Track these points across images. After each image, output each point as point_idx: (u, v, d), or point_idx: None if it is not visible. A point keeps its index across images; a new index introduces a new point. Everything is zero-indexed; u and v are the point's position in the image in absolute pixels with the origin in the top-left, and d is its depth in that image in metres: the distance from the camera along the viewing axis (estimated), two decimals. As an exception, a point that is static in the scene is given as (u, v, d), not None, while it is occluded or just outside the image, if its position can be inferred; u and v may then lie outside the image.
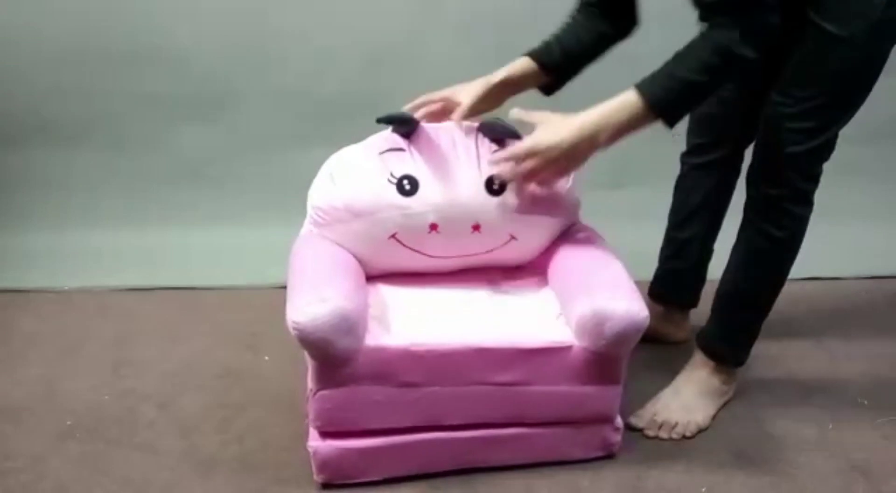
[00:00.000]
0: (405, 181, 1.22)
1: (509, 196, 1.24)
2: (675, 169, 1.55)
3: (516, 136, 1.23)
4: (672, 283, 1.62)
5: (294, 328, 1.10)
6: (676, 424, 1.37)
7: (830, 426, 1.39)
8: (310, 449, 1.18)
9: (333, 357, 1.11)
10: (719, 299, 1.41)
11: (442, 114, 1.33)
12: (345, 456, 1.19)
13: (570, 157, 1.16)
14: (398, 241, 1.24)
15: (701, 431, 1.37)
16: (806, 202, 1.29)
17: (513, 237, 1.28)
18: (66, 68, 2.03)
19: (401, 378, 1.15)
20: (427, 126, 1.27)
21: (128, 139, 2.11)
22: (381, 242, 1.24)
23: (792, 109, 1.22)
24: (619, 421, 1.26)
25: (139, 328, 1.70)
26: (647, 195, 1.73)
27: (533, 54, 1.35)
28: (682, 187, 1.57)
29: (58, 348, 1.62)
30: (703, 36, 1.12)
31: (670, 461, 1.29)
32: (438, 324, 1.19)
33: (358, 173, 1.25)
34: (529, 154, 1.17)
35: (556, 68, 1.35)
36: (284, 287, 1.94)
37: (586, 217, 1.39)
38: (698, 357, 1.44)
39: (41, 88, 2.04)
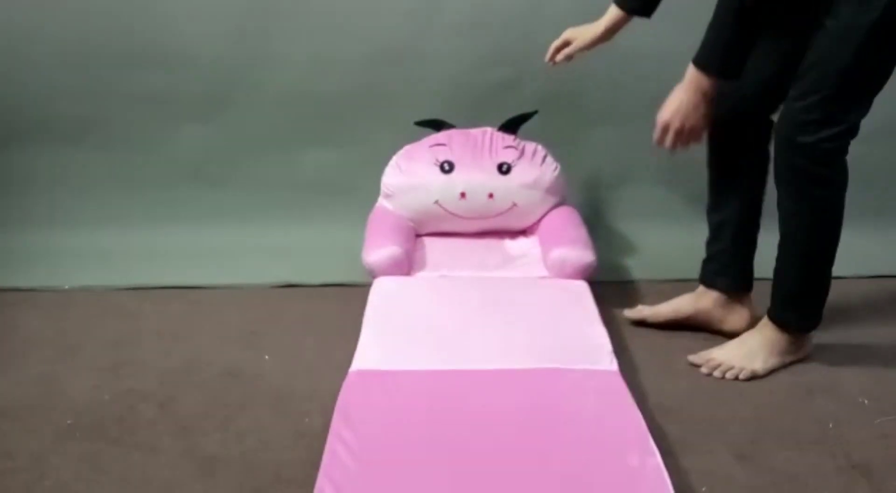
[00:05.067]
0: (445, 164, 1.87)
1: (513, 176, 1.85)
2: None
3: (525, 118, 1.92)
4: (713, 267, 1.67)
5: (366, 264, 1.72)
6: (732, 367, 1.50)
7: (831, 425, 1.39)
8: None
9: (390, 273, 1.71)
10: (776, 272, 1.51)
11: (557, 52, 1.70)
12: None
13: (688, 108, 1.46)
14: (439, 205, 1.86)
15: (755, 378, 1.49)
16: (826, 185, 1.39)
17: (515, 204, 1.87)
18: (67, 68, 2.03)
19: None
20: (459, 130, 1.93)
21: (128, 138, 2.11)
22: (427, 206, 1.87)
23: (802, 102, 1.35)
24: None
25: (139, 328, 1.70)
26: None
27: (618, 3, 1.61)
28: (711, 172, 1.65)
29: (58, 347, 1.62)
30: None
31: (671, 459, 1.28)
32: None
33: (415, 160, 1.89)
34: (665, 124, 1.48)
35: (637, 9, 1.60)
36: (284, 286, 1.95)
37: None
38: (766, 319, 1.54)
39: (41, 88, 2.04)
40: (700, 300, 1.68)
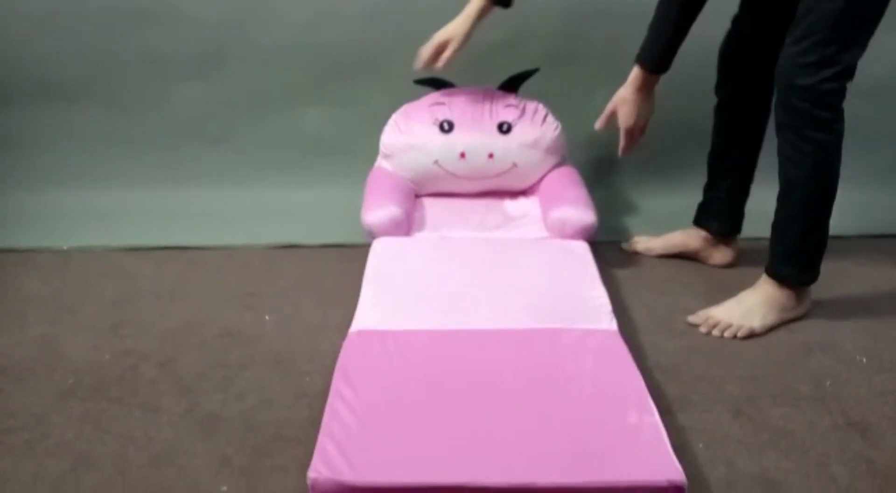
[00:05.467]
0: (445, 124, 1.84)
1: (514, 135, 1.83)
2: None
3: (527, 76, 1.91)
4: (707, 211, 1.80)
5: (366, 225, 1.70)
6: (730, 325, 1.52)
7: (828, 383, 1.40)
8: (308, 481, 1.03)
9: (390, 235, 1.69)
10: (774, 225, 1.54)
11: (436, 57, 1.77)
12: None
13: (643, 105, 1.64)
14: (439, 165, 1.84)
15: (754, 336, 1.51)
16: (827, 130, 1.41)
17: (515, 165, 1.85)
18: (62, 27, 1.99)
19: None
20: (460, 88, 1.90)
21: (125, 98, 2.08)
22: (427, 166, 1.85)
23: (798, 46, 1.38)
24: (680, 477, 1.04)
25: (138, 288, 1.70)
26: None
27: None
28: (716, 119, 1.74)
29: (57, 307, 1.62)
30: None
31: (668, 416, 1.29)
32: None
33: (414, 119, 1.86)
34: (630, 129, 1.66)
35: None
36: (283, 247, 1.95)
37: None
38: (764, 276, 1.56)
39: (37, 48, 2.01)
40: (690, 238, 1.82)
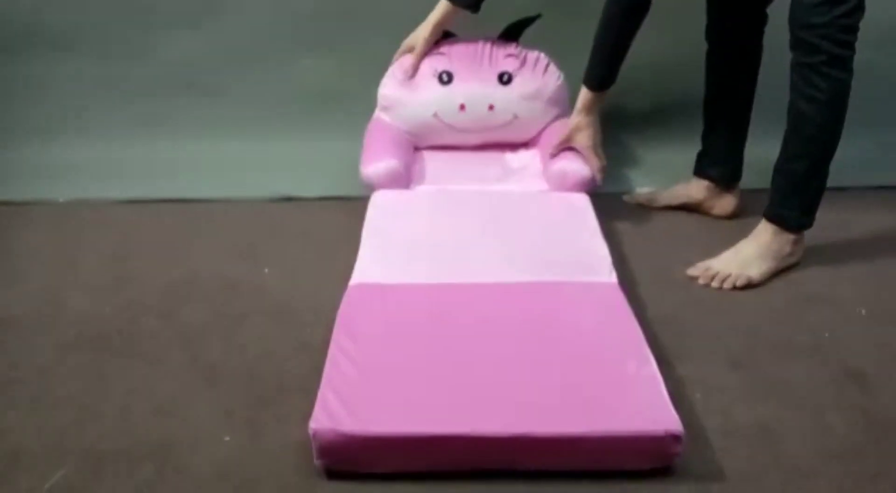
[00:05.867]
0: (444, 75, 1.81)
1: (514, 86, 1.81)
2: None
3: (528, 23, 1.85)
4: (706, 158, 1.80)
5: (364, 177, 1.70)
6: (729, 275, 1.53)
7: (827, 335, 1.41)
8: (310, 431, 1.04)
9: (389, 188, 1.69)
10: (777, 167, 1.54)
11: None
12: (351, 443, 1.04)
13: (594, 134, 1.71)
14: (438, 117, 1.81)
15: (752, 285, 1.52)
16: (842, 67, 1.43)
17: (516, 116, 1.83)
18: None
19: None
20: (460, 38, 1.85)
21: (118, 47, 2.04)
22: (425, 119, 1.82)
23: None
24: (677, 426, 1.05)
25: (137, 241, 1.70)
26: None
27: None
28: (707, 64, 1.74)
29: (56, 260, 1.62)
30: None
31: (666, 368, 1.30)
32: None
33: (406, 72, 1.82)
34: (593, 151, 1.72)
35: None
36: (282, 199, 1.93)
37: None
38: (763, 223, 1.57)
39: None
40: (692, 189, 1.82)
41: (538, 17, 1.85)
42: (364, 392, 1.10)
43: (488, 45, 1.84)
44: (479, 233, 1.52)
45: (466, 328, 1.25)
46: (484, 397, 1.10)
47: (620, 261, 1.59)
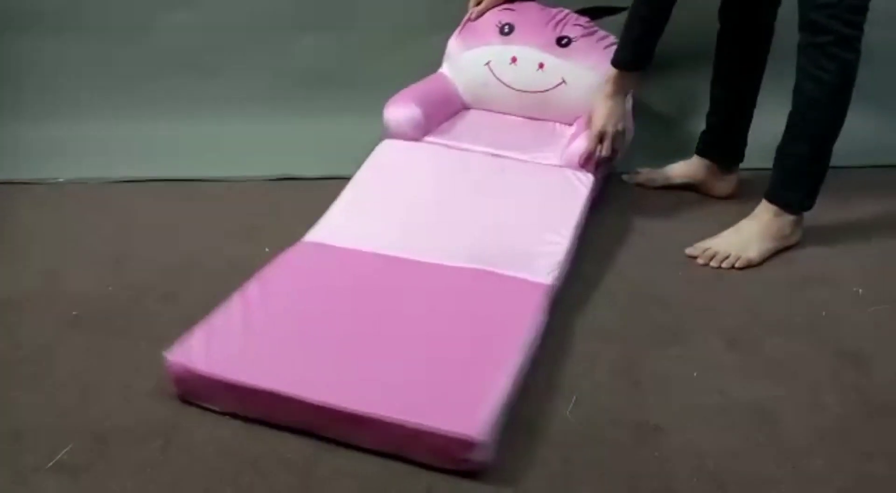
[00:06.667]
0: (506, 27, 1.82)
1: (571, 51, 1.77)
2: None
3: (614, 11, 1.80)
4: (709, 138, 1.79)
5: (384, 119, 1.72)
6: (728, 255, 1.54)
7: (823, 314, 1.42)
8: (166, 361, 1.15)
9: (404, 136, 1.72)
10: (779, 148, 1.54)
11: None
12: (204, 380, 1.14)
13: (618, 111, 1.63)
14: (489, 68, 1.82)
15: (751, 265, 1.53)
16: (851, 48, 1.43)
17: (563, 81, 1.78)
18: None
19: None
20: (535, 3, 1.87)
21: (118, 26, 2.02)
22: (478, 68, 1.83)
23: None
24: (474, 432, 1.04)
25: (137, 221, 1.70)
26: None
27: None
28: (718, 44, 1.72)
29: (56, 240, 1.62)
30: None
31: (662, 346, 1.31)
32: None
33: (479, 21, 1.86)
34: (601, 133, 1.62)
35: None
36: (282, 179, 1.92)
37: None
38: (763, 203, 1.57)
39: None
40: (692, 168, 1.82)
41: (623, 9, 1.67)
42: (233, 339, 1.18)
43: (561, 13, 1.83)
44: (453, 202, 1.53)
45: (373, 303, 1.28)
46: (332, 367, 1.14)
47: (620, 240, 1.60)
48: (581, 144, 1.64)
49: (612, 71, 1.61)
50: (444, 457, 1.05)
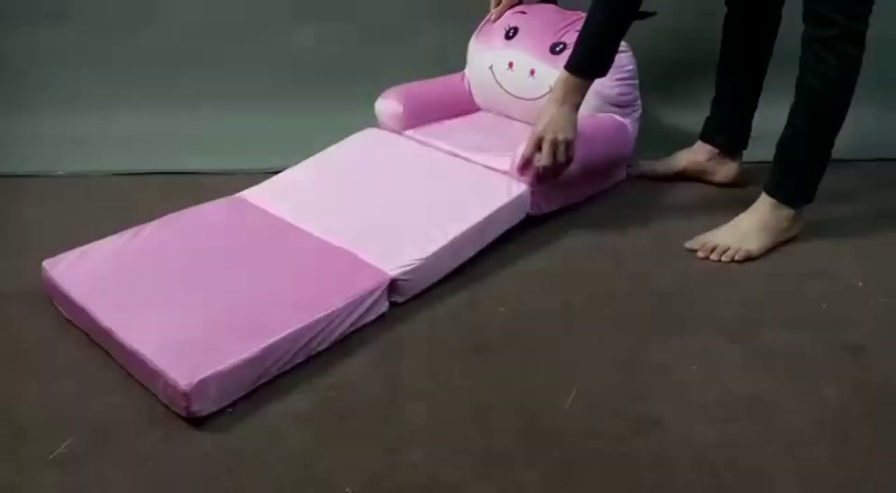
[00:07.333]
0: (511, 30, 1.80)
1: (560, 59, 1.60)
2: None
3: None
4: (714, 124, 1.79)
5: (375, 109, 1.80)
6: (728, 248, 1.53)
7: (824, 307, 1.42)
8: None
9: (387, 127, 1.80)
10: (781, 141, 1.54)
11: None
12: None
13: (562, 119, 1.50)
14: (491, 72, 1.82)
15: (751, 259, 1.53)
16: (856, 42, 1.43)
17: (550, 90, 1.60)
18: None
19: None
20: (556, 7, 1.85)
21: (117, 18, 2.03)
22: (483, 72, 1.84)
23: None
24: (186, 382, 1.11)
25: (138, 215, 1.68)
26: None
27: None
28: (725, 30, 1.73)
29: (57, 233, 1.61)
30: None
31: (663, 336, 1.31)
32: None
33: (496, 24, 1.85)
34: (538, 138, 1.51)
35: None
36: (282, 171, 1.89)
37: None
38: (762, 196, 1.57)
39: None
40: (695, 153, 1.82)
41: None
42: (93, 262, 1.36)
43: (573, 17, 1.75)
44: (374, 189, 1.59)
45: (226, 255, 1.38)
46: (144, 299, 1.26)
47: (620, 232, 1.60)
48: (519, 150, 1.55)
49: (563, 74, 1.50)
50: (169, 400, 1.13)
